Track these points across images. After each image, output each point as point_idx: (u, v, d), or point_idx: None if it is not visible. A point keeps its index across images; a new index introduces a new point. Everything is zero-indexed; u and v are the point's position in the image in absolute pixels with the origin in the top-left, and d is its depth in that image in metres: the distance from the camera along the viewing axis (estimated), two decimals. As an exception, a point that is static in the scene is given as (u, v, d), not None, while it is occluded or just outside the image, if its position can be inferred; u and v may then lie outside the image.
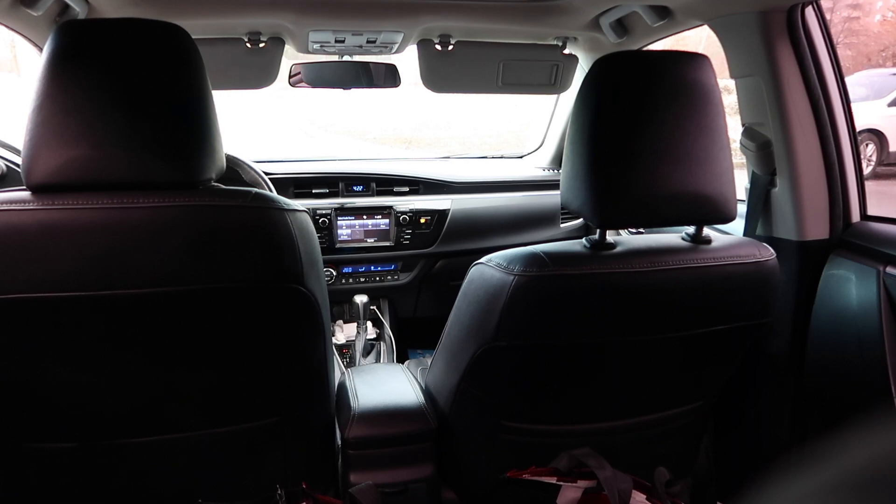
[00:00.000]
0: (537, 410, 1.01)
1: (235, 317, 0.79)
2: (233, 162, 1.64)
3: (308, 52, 1.62)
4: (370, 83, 1.71)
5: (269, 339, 0.84)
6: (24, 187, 0.72)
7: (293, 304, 0.80)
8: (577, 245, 0.89)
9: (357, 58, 1.69)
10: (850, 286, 1.07)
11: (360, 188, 1.91)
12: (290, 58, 1.64)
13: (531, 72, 1.67)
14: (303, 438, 0.99)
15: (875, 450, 0.23)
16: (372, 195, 1.91)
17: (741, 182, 1.11)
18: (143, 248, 0.71)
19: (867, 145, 6.27)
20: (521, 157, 2.28)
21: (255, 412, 0.92)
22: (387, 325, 1.92)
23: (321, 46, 1.57)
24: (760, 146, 1.17)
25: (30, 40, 1.28)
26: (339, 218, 1.83)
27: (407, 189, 1.94)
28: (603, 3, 1.34)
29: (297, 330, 0.84)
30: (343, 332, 1.87)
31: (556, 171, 2.11)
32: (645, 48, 1.52)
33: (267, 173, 1.73)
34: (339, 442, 1.04)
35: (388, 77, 1.70)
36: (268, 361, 0.87)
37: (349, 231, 1.85)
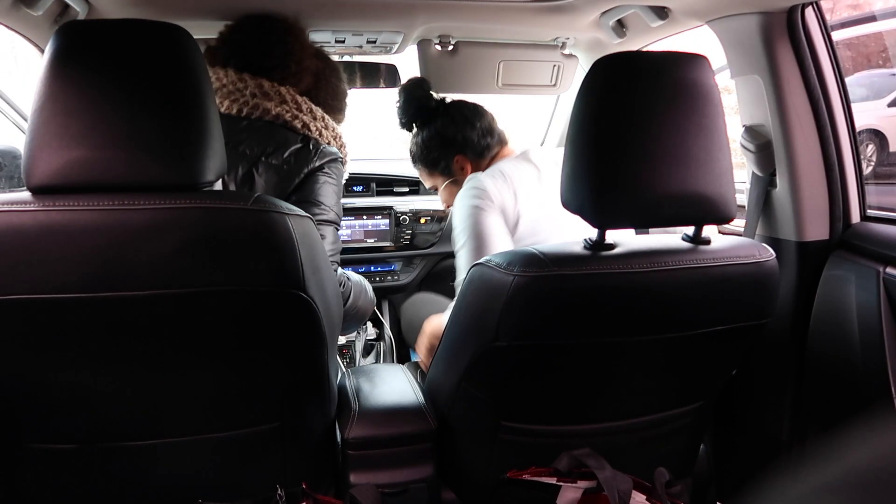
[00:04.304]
0: (537, 411, 1.01)
1: (235, 320, 0.79)
2: None
3: (308, 53, 1.62)
4: (370, 83, 1.71)
5: (268, 344, 0.84)
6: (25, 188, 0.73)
7: (293, 310, 0.80)
8: (576, 245, 0.89)
9: (357, 58, 1.69)
10: (850, 287, 1.07)
11: (359, 188, 1.91)
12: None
13: (531, 72, 1.67)
14: (303, 440, 0.99)
15: (875, 450, 0.23)
16: (372, 195, 1.91)
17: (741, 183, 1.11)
18: (143, 249, 0.71)
19: (867, 146, 6.26)
20: (521, 158, 2.27)
21: (255, 416, 0.91)
22: (387, 325, 1.92)
23: (321, 47, 1.57)
24: (760, 147, 1.17)
25: (31, 41, 1.28)
26: (339, 218, 1.82)
27: (407, 189, 1.94)
28: (603, 3, 1.34)
29: (297, 336, 0.84)
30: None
31: (556, 172, 2.10)
32: (645, 48, 1.52)
33: None
34: (340, 442, 1.04)
35: (389, 77, 1.71)
36: (268, 366, 0.86)
37: (349, 231, 1.85)
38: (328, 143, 1.17)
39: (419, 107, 1.47)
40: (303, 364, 0.89)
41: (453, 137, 1.42)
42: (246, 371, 0.86)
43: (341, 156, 1.18)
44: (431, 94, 1.48)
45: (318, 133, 1.16)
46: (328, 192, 1.13)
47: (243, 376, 0.86)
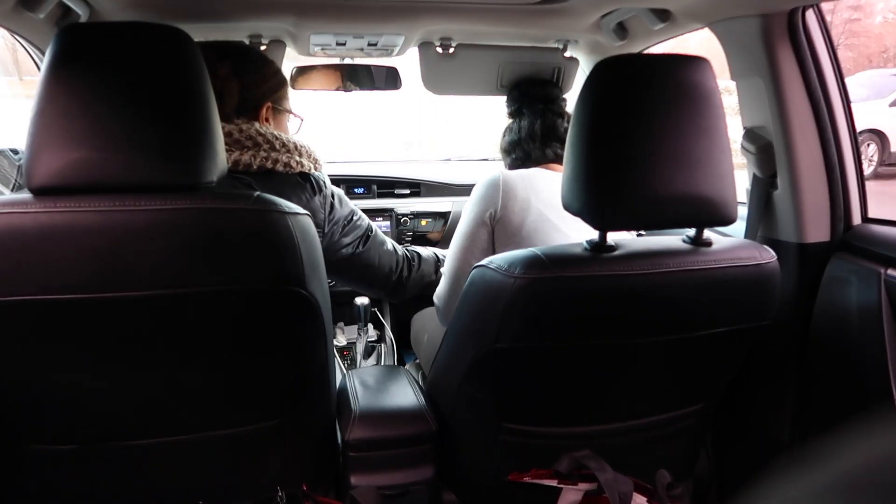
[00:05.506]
0: (538, 412, 1.01)
1: (236, 319, 0.79)
2: None
3: (309, 55, 1.62)
4: (371, 86, 1.71)
5: (270, 342, 0.84)
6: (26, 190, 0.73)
7: (294, 307, 0.80)
8: (577, 247, 0.89)
9: (358, 60, 1.69)
10: (851, 289, 1.07)
11: (360, 190, 1.91)
12: (291, 60, 1.64)
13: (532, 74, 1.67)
14: (304, 440, 0.99)
15: (876, 452, 0.23)
16: (373, 197, 1.91)
17: (742, 184, 1.11)
18: (143, 250, 0.71)
19: (868, 146, 6.28)
20: (521, 159, 2.27)
21: (256, 414, 0.92)
22: (388, 327, 1.92)
23: (322, 49, 1.57)
24: (761, 148, 1.17)
25: (32, 43, 1.28)
26: (340, 220, 1.82)
27: (408, 191, 1.94)
28: (604, 5, 1.34)
29: (298, 333, 0.84)
30: (344, 334, 1.87)
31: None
32: (646, 51, 1.52)
33: None
34: (340, 444, 1.05)
35: (389, 79, 1.71)
36: (269, 364, 0.87)
37: None
38: (310, 170, 1.15)
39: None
40: (305, 359, 0.89)
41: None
42: (247, 369, 0.86)
43: (324, 177, 1.19)
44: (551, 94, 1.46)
45: (299, 166, 1.12)
46: (347, 208, 1.21)
47: (245, 374, 0.87)
